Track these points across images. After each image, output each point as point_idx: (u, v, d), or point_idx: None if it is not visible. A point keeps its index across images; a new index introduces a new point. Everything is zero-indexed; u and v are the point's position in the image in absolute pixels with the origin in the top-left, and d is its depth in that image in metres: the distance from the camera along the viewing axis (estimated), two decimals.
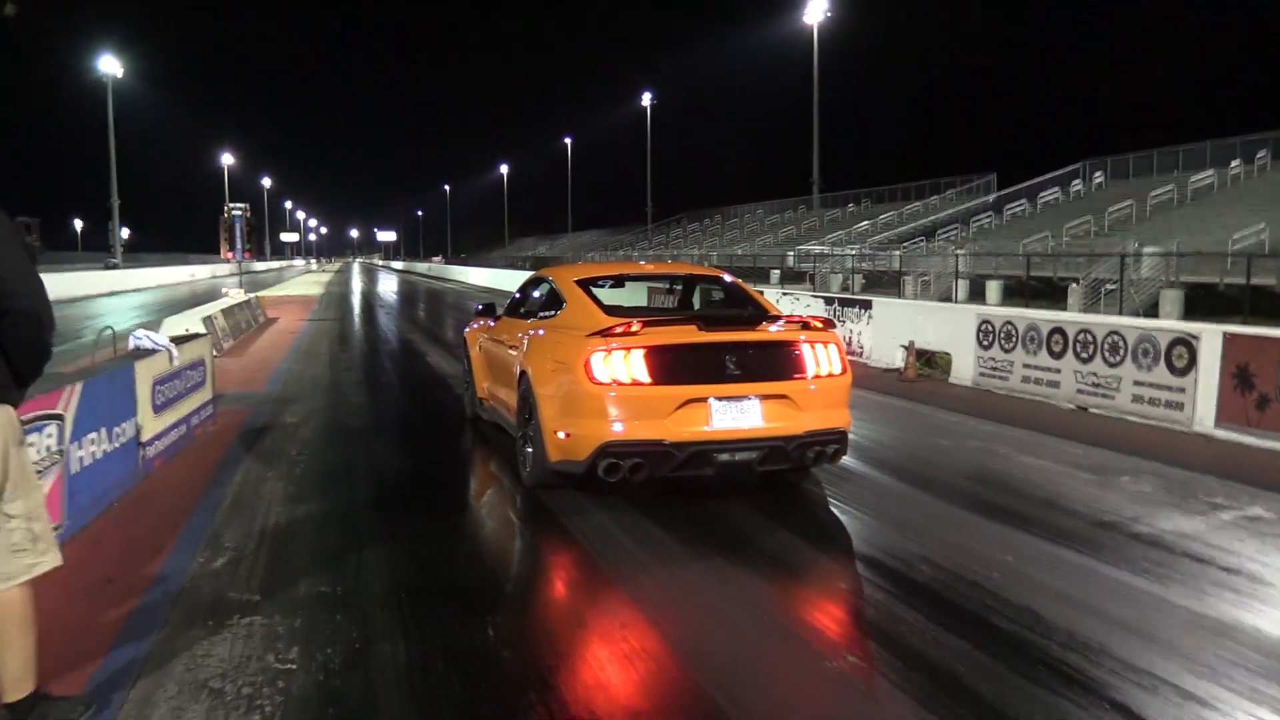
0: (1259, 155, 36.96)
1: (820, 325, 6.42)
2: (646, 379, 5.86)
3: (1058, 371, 10.85)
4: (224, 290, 22.24)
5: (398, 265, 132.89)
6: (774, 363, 6.22)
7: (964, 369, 12.51)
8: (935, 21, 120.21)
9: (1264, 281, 22.26)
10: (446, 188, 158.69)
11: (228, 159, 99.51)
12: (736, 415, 5.96)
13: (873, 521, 6.24)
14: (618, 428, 5.88)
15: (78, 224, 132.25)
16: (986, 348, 12.06)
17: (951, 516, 6.29)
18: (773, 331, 6.33)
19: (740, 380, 5.99)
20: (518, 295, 8.60)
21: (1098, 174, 44.54)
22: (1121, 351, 9.95)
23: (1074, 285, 26.83)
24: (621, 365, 5.87)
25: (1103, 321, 10.92)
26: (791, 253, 46.96)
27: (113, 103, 55.94)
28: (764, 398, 6.02)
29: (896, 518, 6.30)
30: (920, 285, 32.00)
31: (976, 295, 28.91)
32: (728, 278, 8.13)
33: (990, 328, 12.01)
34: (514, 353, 7.30)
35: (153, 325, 16.59)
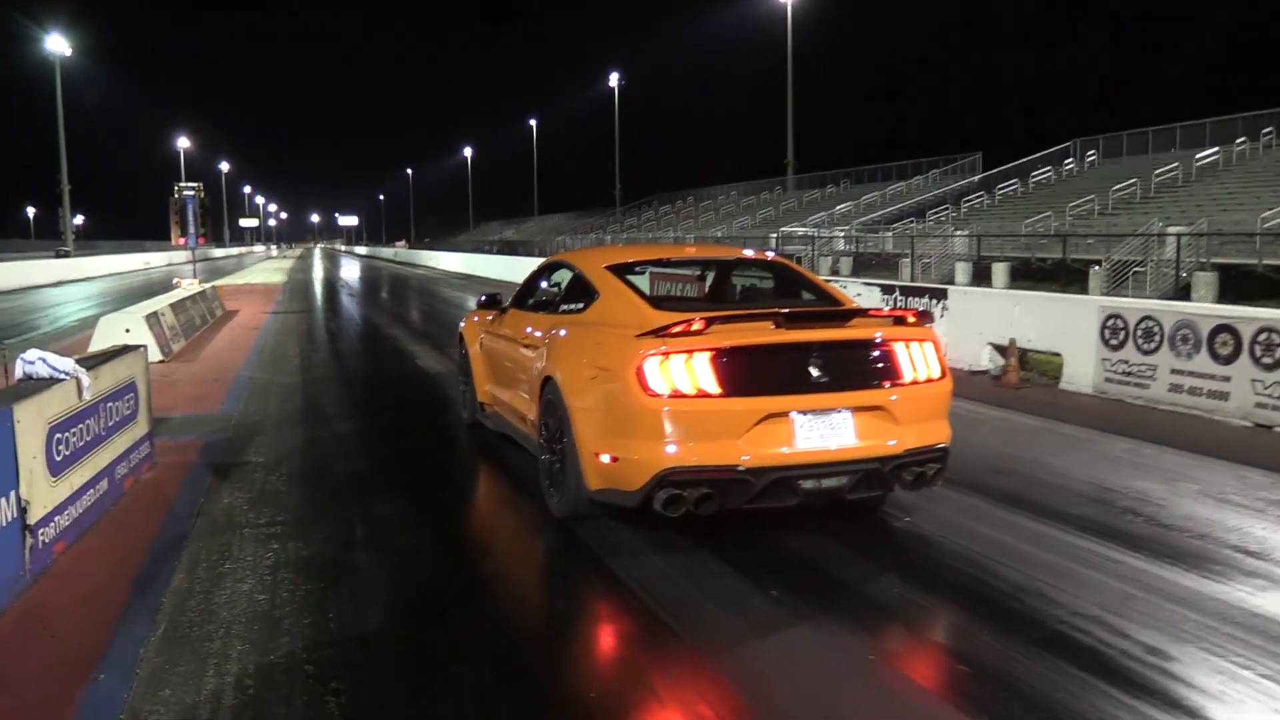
0: (1265, 132, 36.15)
1: (914, 319, 5.38)
2: (715, 389, 4.90)
3: (1226, 380, 8.65)
4: (175, 280, 19.57)
5: (361, 250, 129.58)
6: (867, 367, 5.25)
7: (1080, 373, 10.30)
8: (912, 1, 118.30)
9: None
10: (409, 171, 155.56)
11: (184, 142, 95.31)
12: (825, 432, 5.00)
13: (1012, 571, 4.84)
14: (679, 450, 4.90)
15: (30, 210, 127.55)
16: (1116, 348, 9.86)
17: (1113, 565, 4.85)
18: (863, 328, 5.32)
19: (828, 389, 5.05)
20: (529, 285, 7.48)
21: (1090, 153, 44.19)
22: None
23: (1095, 268, 25.23)
24: (683, 372, 4.89)
25: None
26: (775, 235, 45.10)
27: (61, 83, 53.16)
28: (856, 410, 5.08)
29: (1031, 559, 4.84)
30: (920, 268, 30.98)
31: (981, 278, 27.71)
32: (778, 259, 7.06)
33: (1121, 324, 9.80)
34: (532, 354, 6.33)
35: (89, 324, 14.06)
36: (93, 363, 5.88)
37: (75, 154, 55.19)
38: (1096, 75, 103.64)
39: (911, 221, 41.98)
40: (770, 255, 7.35)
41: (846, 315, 5.34)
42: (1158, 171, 35.92)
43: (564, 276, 7.06)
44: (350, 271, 53.53)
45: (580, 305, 6.19)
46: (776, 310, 5.18)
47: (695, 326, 4.90)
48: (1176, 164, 36.38)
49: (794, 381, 5.01)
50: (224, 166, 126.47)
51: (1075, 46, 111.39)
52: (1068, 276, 26.40)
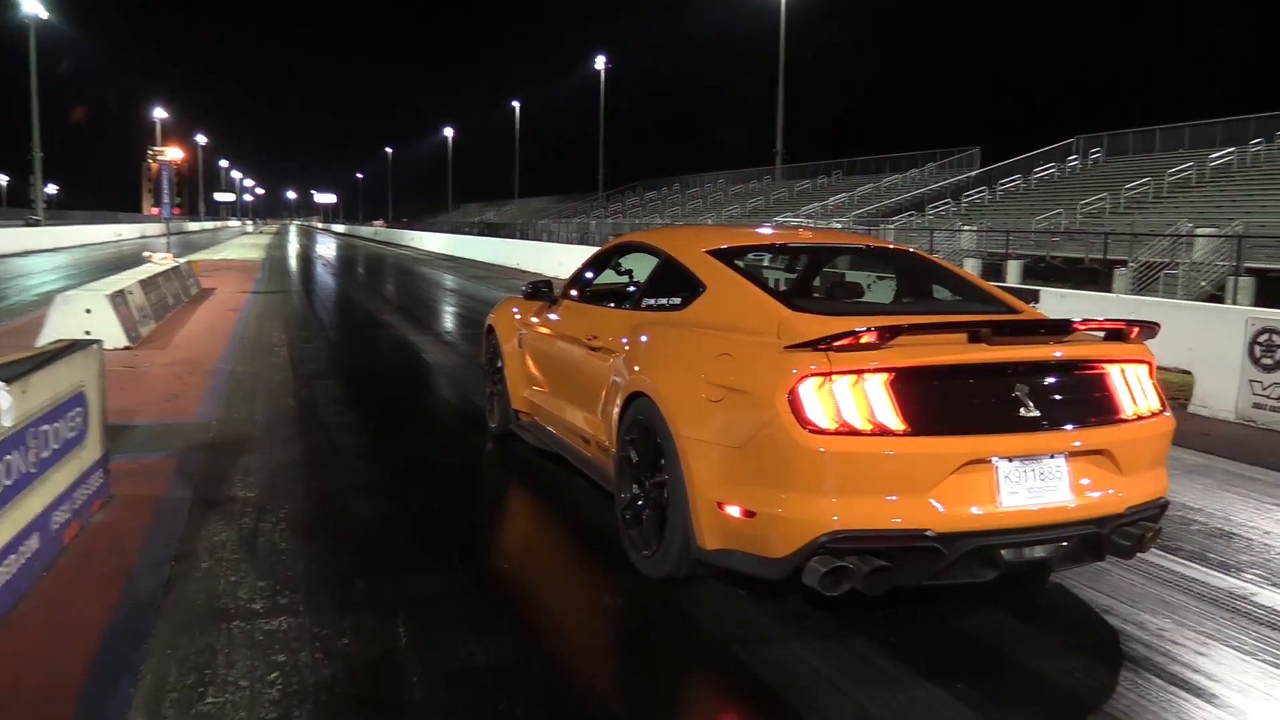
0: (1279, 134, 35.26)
1: (1135, 334, 4.08)
2: (898, 425, 3.62)
3: None
4: (145, 254, 17.68)
5: (339, 229, 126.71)
6: (1085, 397, 4.01)
7: (1219, 395, 8.75)
8: None
9: None
10: (389, 150, 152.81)
11: (160, 112, 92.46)
12: (1034, 485, 3.75)
13: None
14: (848, 507, 3.61)
15: (2, 179, 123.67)
16: (1270, 368, 8.29)
17: None
18: (1083, 346, 4.05)
19: (1039, 428, 3.78)
20: (588, 271, 6.21)
21: (1094, 150, 43.52)
22: None
23: (1121, 270, 24.01)
24: (852, 401, 3.62)
25: None
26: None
27: (36, 48, 50.52)
28: (1072, 455, 3.84)
29: None
30: None
31: (991, 275, 26.32)
32: (913, 250, 5.79)
33: (1278, 340, 8.24)
34: (604, 360, 5.06)
35: (50, 300, 12.43)
36: (23, 369, 4.14)
37: (49, 123, 53.30)
38: (1097, 72, 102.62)
39: (911, 215, 41.03)
40: (916, 251, 5.82)
41: (1058, 328, 4.04)
42: (1171, 170, 35.00)
43: (642, 262, 5.66)
44: (330, 250, 51.45)
45: (678, 301, 4.87)
46: (973, 319, 4.00)
47: (867, 339, 3.60)
48: (1191, 163, 35.48)
49: (996, 417, 3.77)
50: (200, 139, 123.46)
51: (1074, 42, 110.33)
52: (1082, 277, 25.40)
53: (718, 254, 4.93)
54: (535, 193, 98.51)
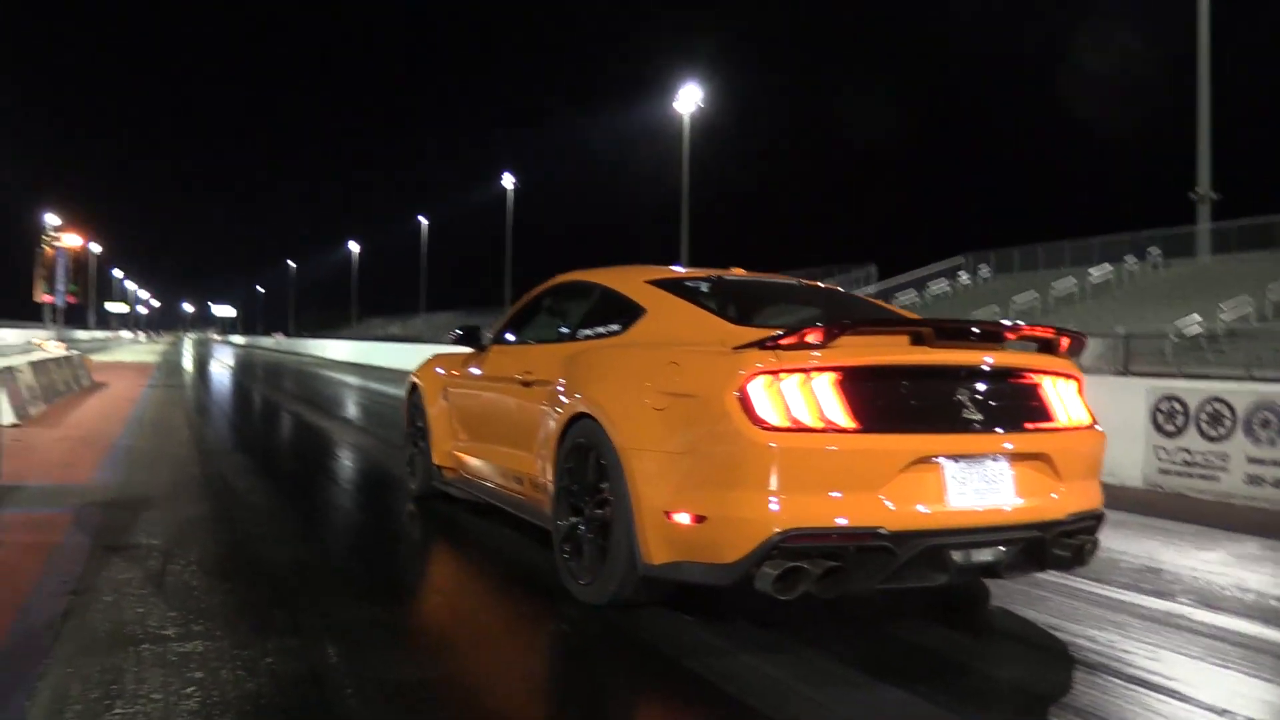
0: (1150, 250, 37.89)
1: (1066, 345, 4.22)
2: (848, 422, 3.61)
3: None
4: (34, 342, 16.89)
5: (238, 340, 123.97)
6: (1023, 403, 4.10)
7: (1126, 464, 8.99)
8: (806, 111, 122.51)
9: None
10: (291, 263, 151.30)
11: (51, 218, 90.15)
12: (980, 487, 3.78)
13: None
14: (801, 505, 3.55)
15: None
16: (1172, 434, 8.59)
17: None
18: (1015, 355, 4.17)
19: (982, 429, 3.85)
20: (521, 315, 6.07)
21: (982, 266, 45.90)
22: None
23: None
24: (801, 398, 3.61)
25: None
26: None
27: None
28: (1014, 459, 3.90)
29: None
30: None
31: None
32: (831, 287, 6.03)
33: (1179, 407, 8.56)
34: (542, 392, 4.90)
35: None
36: None
37: None
38: (980, 191, 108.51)
39: None
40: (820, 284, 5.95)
41: (995, 333, 4.10)
42: (1054, 284, 37.11)
43: (577, 302, 5.61)
44: (228, 357, 50.14)
45: (616, 327, 4.82)
46: (917, 321, 4.03)
47: (812, 338, 3.64)
48: (1072, 279, 37.78)
49: (943, 417, 3.82)
50: (94, 248, 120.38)
51: (958, 162, 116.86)
52: None
53: (657, 283, 4.93)
54: (442, 307, 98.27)
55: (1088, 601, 4.56)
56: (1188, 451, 8.48)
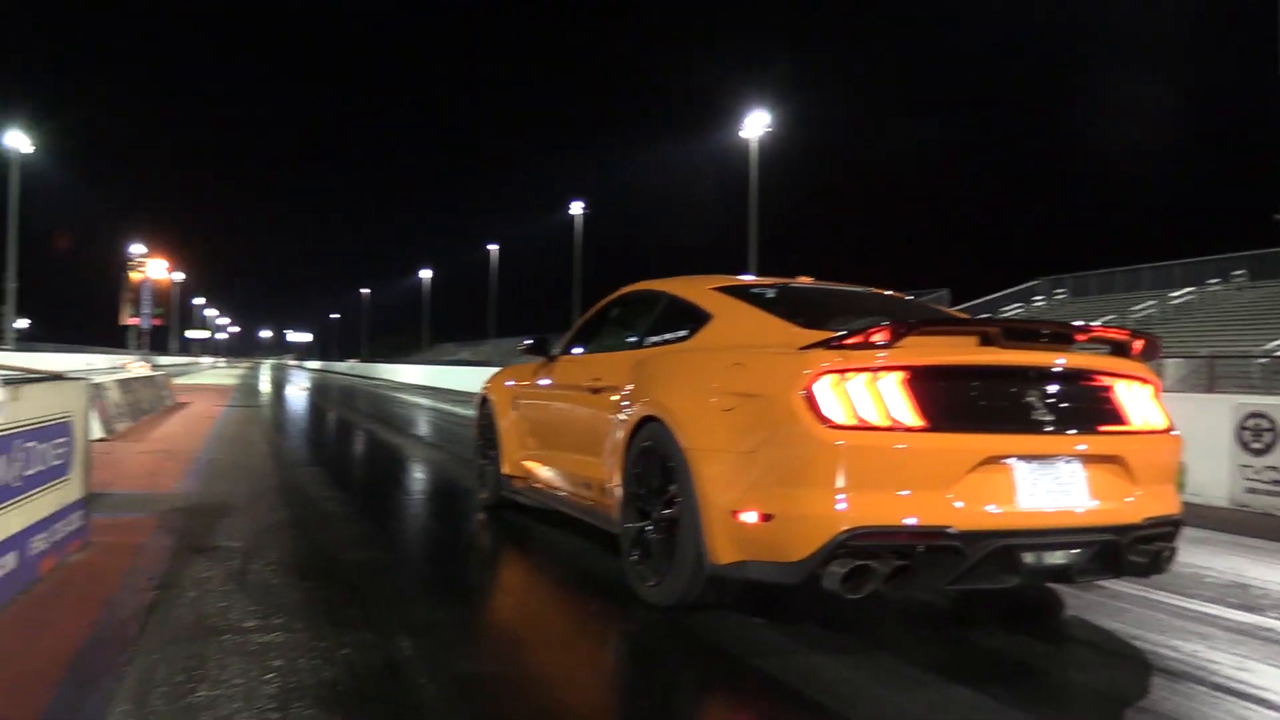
0: (1235, 273, 37.00)
1: (1139, 348, 4.15)
2: (915, 421, 3.57)
3: None
4: (122, 364, 17.50)
5: (314, 365, 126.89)
6: (1097, 405, 4.02)
7: (1210, 482, 8.72)
8: (877, 136, 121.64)
9: None
10: (365, 291, 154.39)
11: (139, 248, 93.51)
12: (1052, 488, 3.70)
13: None
14: (868, 503, 3.51)
15: None
16: (1259, 452, 8.32)
17: None
18: (1089, 355, 4.10)
19: (1052, 430, 3.78)
20: (588, 326, 6.09)
21: (1059, 291, 44.95)
22: None
23: None
24: (868, 397, 3.59)
25: None
26: None
27: (19, 182, 50.88)
28: (1087, 460, 3.81)
29: None
30: None
31: None
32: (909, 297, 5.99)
33: (1265, 425, 8.29)
34: (609, 399, 4.94)
35: None
36: (16, 378, 4.02)
37: (25, 257, 53.14)
38: (1058, 219, 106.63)
39: None
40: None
41: (1067, 335, 4.05)
42: (1134, 307, 36.07)
43: (644, 311, 5.60)
44: (304, 380, 51.32)
45: (683, 333, 4.83)
46: (985, 321, 4.09)
47: (878, 338, 3.64)
48: (1153, 301, 36.75)
49: (1013, 417, 3.77)
50: (177, 275, 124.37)
51: (1034, 188, 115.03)
52: None
53: (724, 290, 4.96)
54: (511, 332, 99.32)
55: (1170, 614, 4.43)
56: (1276, 470, 8.20)
